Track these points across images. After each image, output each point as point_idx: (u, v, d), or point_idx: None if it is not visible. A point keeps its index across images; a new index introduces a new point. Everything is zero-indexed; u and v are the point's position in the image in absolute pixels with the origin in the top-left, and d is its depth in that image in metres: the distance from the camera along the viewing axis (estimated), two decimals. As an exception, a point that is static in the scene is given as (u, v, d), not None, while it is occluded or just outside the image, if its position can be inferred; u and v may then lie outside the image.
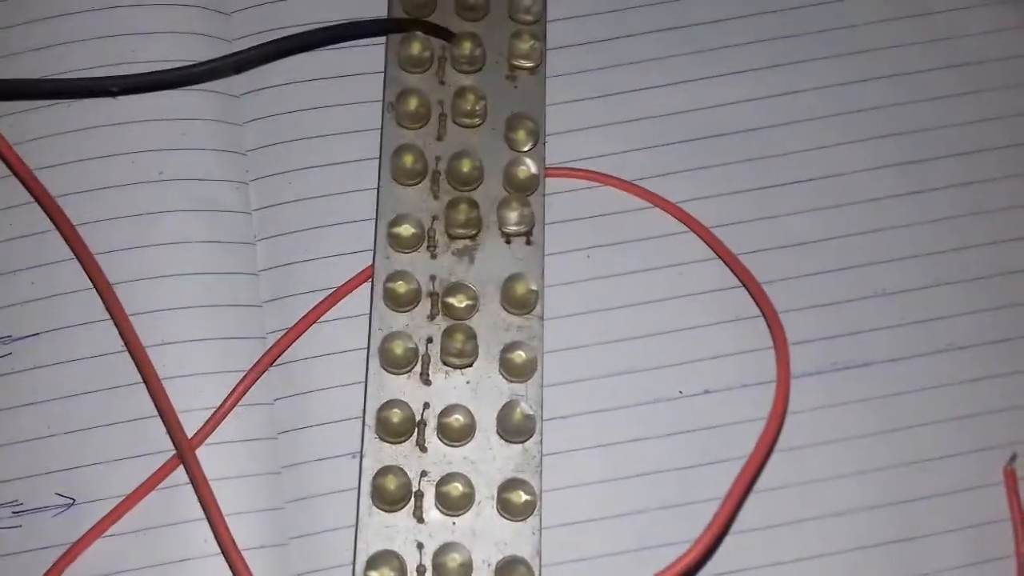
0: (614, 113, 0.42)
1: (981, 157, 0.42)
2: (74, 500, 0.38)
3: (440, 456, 0.38)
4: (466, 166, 0.40)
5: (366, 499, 0.37)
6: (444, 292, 0.39)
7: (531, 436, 0.38)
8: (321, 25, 0.42)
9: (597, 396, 0.39)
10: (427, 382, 0.38)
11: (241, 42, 0.42)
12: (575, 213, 0.41)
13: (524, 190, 0.40)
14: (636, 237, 0.41)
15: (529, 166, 0.40)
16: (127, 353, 0.39)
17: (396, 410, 0.37)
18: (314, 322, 0.40)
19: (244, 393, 0.39)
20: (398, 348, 0.38)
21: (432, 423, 0.38)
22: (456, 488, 0.37)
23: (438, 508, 0.37)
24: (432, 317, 0.39)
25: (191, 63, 0.41)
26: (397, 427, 0.37)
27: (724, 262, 0.40)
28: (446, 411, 0.38)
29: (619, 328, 0.40)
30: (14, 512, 0.38)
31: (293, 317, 0.40)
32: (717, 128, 0.42)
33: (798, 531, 0.38)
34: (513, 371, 0.38)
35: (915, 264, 0.41)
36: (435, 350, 0.38)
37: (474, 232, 0.39)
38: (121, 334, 0.39)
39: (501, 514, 0.37)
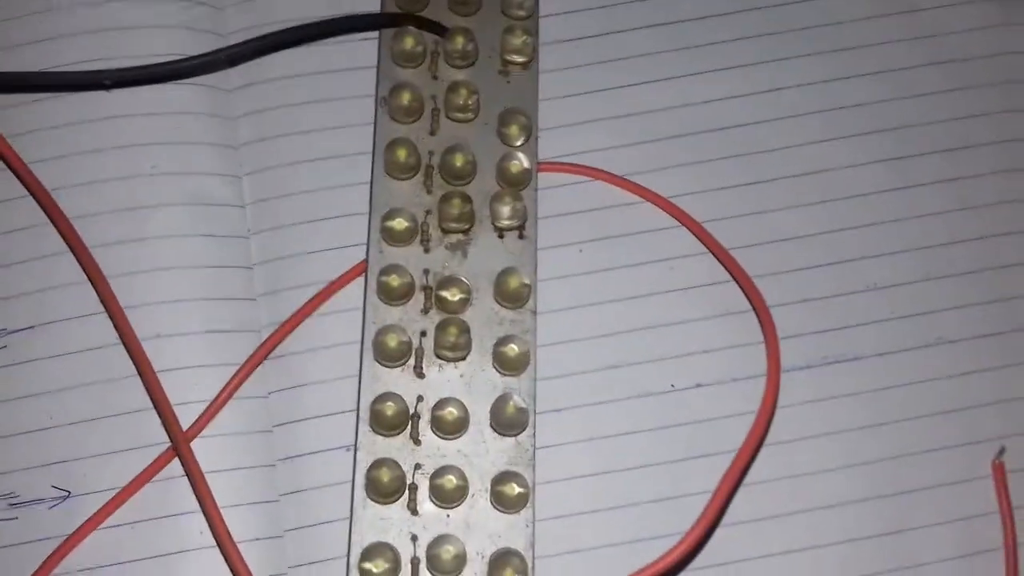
0: (606, 108, 0.42)
1: (967, 153, 0.42)
2: (70, 492, 0.38)
3: (434, 449, 0.38)
4: (459, 161, 0.40)
5: (360, 491, 0.37)
6: (437, 286, 0.39)
7: (524, 429, 0.38)
8: (314, 20, 0.42)
9: (590, 389, 0.40)
10: (421, 375, 0.38)
11: (235, 36, 0.42)
12: (568, 208, 0.41)
13: (517, 185, 0.40)
14: (628, 231, 0.41)
15: (522, 161, 0.40)
16: (122, 346, 0.39)
17: (390, 403, 0.38)
18: (308, 316, 0.40)
19: (239, 386, 0.39)
20: (392, 341, 0.38)
21: (426, 416, 0.38)
22: (450, 481, 0.37)
23: (432, 500, 0.37)
24: (426, 311, 0.39)
25: (184, 57, 0.41)
26: (391, 420, 0.37)
27: (715, 256, 0.41)
28: (440, 404, 0.38)
29: (611, 322, 0.40)
30: (10, 504, 0.38)
31: (287, 311, 0.40)
32: (708, 124, 0.42)
33: (788, 524, 0.38)
34: (506, 365, 0.38)
35: (904, 259, 0.41)
36: (428, 343, 0.39)
37: (467, 226, 0.40)
38: (116, 327, 0.39)
39: (495, 506, 0.37)
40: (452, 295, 0.39)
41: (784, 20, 0.43)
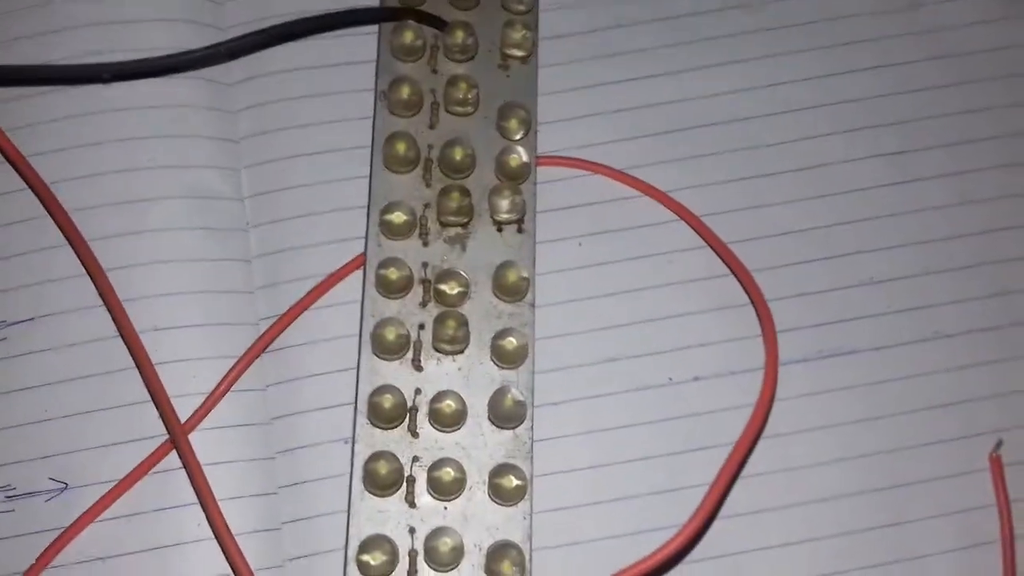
0: (605, 103, 0.42)
1: (967, 148, 0.42)
2: (67, 484, 0.38)
3: (432, 442, 0.38)
4: (458, 154, 0.40)
5: (358, 484, 0.37)
6: (436, 279, 0.39)
7: (522, 422, 0.38)
8: (314, 14, 0.42)
9: (588, 383, 0.40)
10: (419, 368, 0.38)
11: (234, 30, 0.42)
12: (566, 201, 0.41)
13: (516, 178, 0.40)
14: (627, 225, 0.41)
15: (521, 154, 0.40)
16: (120, 339, 0.39)
17: (388, 396, 0.38)
18: (306, 309, 0.40)
19: (237, 379, 0.39)
20: (390, 334, 0.38)
21: (424, 409, 0.38)
22: (448, 473, 0.37)
23: (430, 493, 0.37)
24: (424, 304, 0.39)
25: (184, 51, 0.41)
26: (389, 413, 0.38)
27: (713, 250, 0.41)
28: (438, 397, 0.38)
29: (610, 315, 0.40)
30: (7, 496, 0.38)
31: (286, 304, 0.40)
32: (707, 118, 0.42)
33: (786, 517, 0.38)
34: (504, 358, 0.38)
35: (902, 253, 0.41)
36: (427, 337, 0.39)
37: (466, 220, 0.40)
38: (114, 320, 0.39)
39: (492, 499, 0.37)
40: (451, 288, 0.39)
41: (783, 15, 0.43)
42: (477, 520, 0.37)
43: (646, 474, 0.39)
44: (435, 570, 0.37)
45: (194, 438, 0.38)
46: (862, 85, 0.43)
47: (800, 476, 0.39)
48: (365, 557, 0.36)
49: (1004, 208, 0.42)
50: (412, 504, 0.37)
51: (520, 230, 0.40)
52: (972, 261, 0.41)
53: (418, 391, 0.38)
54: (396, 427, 0.38)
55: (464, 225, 0.40)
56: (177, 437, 0.38)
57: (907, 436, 0.39)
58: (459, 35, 0.41)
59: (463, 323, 0.38)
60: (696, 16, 0.43)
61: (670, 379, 0.40)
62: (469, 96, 0.41)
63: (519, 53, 0.42)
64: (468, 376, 0.38)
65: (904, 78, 0.43)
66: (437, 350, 0.39)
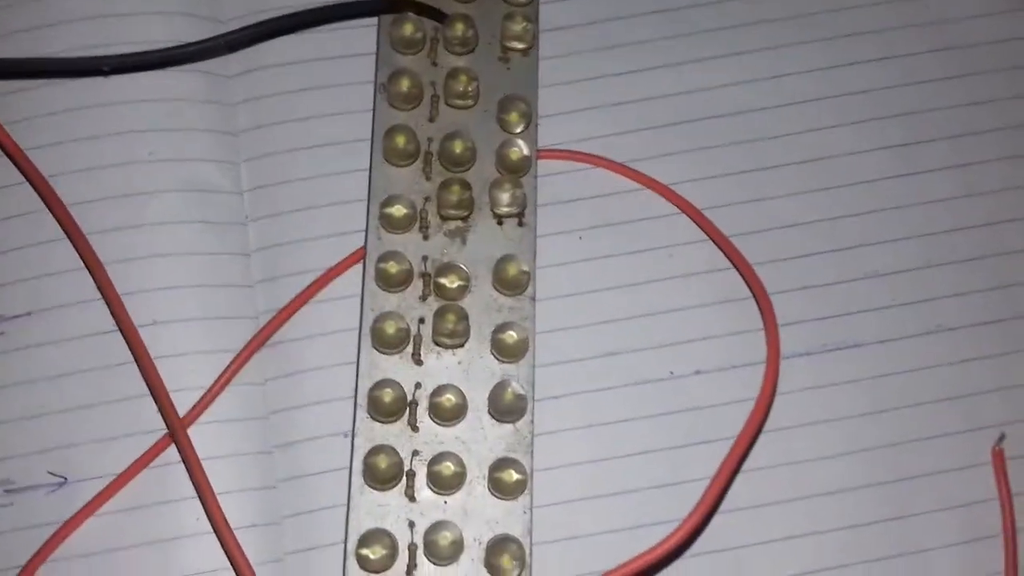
0: (606, 95, 0.42)
1: (971, 140, 0.42)
2: (66, 479, 0.38)
3: (432, 436, 0.38)
4: (458, 147, 0.40)
5: (358, 478, 0.37)
6: (436, 273, 0.39)
7: (522, 416, 0.38)
8: (313, 6, 0.41)
9: (588, 376, 0.39)
10: (419, 362, 0.38)
11: (233, 23, 0.42)
12: (567, 195, 0.41)
13: (516, 171, 0.40)
14: (628, 219, 0.41)
15: (521, 147, 0.40)
16: (119, 333, 0.39)
17: (388, 390, 0.37)
18: (306, 302, 0.40)
19: (236, 373, 0.39)
20: (390, 328, 0.38)
21: (424, 403, 0.38)
22: (448, 467, 0.37)
23: (430, 487, 0.37)
24: (424, 298, 0.39)
25: (183, 43, 0.40)
26: (389, 407, 0.37)
27: (715, 243, 0.40)
28: (438, 391, 0.38)
29: (611, 309, 0.40)
30: (6, 491, 0.38)
31: (285, 297, 0.40)
32: (709, 111, 0.42)
33: (788, 511, 0.38)
34: (505, 352, 0.38)
35: (905, 246, 0.41)
36: (427, 330, 0.39)
37: (466, 213, 0.40)
38: (113, 313, 0.39)
39: (492, 493, 0.37)
40: (451, 282, 0.39)
41: (785, 6, 0.43)
42: (477, 514, 0.37)
43: (647, 468, 0.39)
44: (435, 564, 0.36)
45: (193, 432, 0.38)
46: (865, 77, 0.42)
47: (803, 470, 0.39)
48: (365, 551, 0.36)
49: (1009, 200, 0.41)
50: (412, 498, 0.37)
51: (521, 223, 0.40)
52: (976, 254, 0.41)
53: (418, 385, 0.38)
54: (396, 421, 0.38)
55: (464, 218, 0.40)
56: (176, 431, 0.37)
57: (910, 430, 0.39)
58: (459, 27, 0.41)
59: (463, 317, 0.38)
60: (697, 8, 0.43)
61: (671, 373, 0.40)
62: (469, 89, 0.40)
63: (520, 45, 0.41)
64: (468, 370, 0.38)
65: (908, 70, 0.43)
66: (437, 344, 0.38)
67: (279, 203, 0.41)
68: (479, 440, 0.38)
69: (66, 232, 0.39)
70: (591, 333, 0.40)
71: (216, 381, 0.39)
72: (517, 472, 0.37)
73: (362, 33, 0.42)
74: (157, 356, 0.38)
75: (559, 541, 0.38)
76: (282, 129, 0.41)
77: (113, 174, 0.40)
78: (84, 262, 0.39)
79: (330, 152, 0.41)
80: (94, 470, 0.38)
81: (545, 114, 0.41)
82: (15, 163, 0.40)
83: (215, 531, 0.37)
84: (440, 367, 0.38)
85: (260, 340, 0.39)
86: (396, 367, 0.38)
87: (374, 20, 0.42)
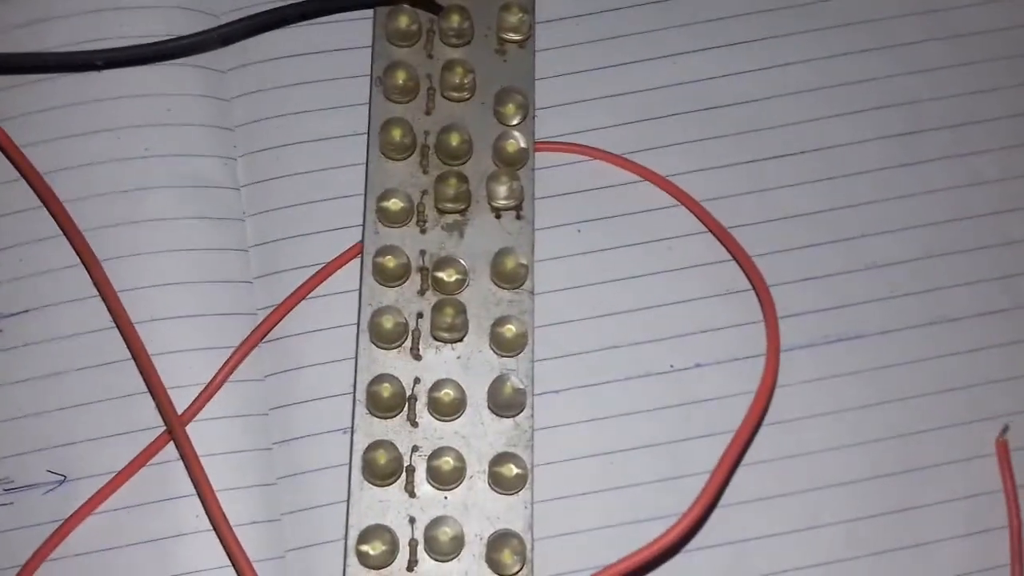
0: (604, 87, 0.42)
1: (973, 129, 0.42)
2: (65, 477, 0.38)
3: (431, 431, 0.38)
4: (455, 140, 0.40)
5: (357, 474, 0.37)
6: (434, 267, 0.39)
7: (522, 410, 0.38)
8: (308, -1, 0.41)
9: (588, 370, 0.39)
10: (417, 357, 0.38)
11: (228, 17, 0.42)
12: (565, 187, 0.41)
13: (513, 164, 0.40)
14: (626, 211, 0.41)
15: (518, 140, 0.40)
16: (116, 329, 0.39)
17: (386, 385, 0.37)
18: (304, 298, 0.40)
19: (234, 369, 0.39)
20: (388, 323, 0.38)
21: (423, 398, 0.38)
22: (447, 462, 0.37)
23: (429, 482, 0.37)
24: (422, 292, 0.39)
25: (176, 36, 0.40)
26: (388, 402, 0.37)
27: (714, 235, 0.40)
28: (436, 386, 0.37)
29: (610, 302, 0.40)
30: (5, 490, 0.38)
31: (283, 293, 0.40)
32: (707, 101, 0.42)
33: (791, 503, 0.38)
34: (503, 345, 0.38)
35: (907, 236, 0.40)
36: (425, 325, 0.38)
37: (463, 206, 0.39)
38: (110, 310, 0.39)
39: (493, 488, 0.37)
40: (448, 276, 0.38)
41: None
42: (478, 509, 0.37)
43: (648, 462, 0.38)
44: (435, 560, 0.36)
45: (192, 429, 0.38)
46: (865, 66, 0.42)
47: (806, 462, 0.39)
48: (365, 547, 0.36)
49: (1011, 190, 0.41)
50: (412, 494, 0.37)
51: (518, 216, 0.40)
52: (979, 243, 0.41)
53: (417, 380, 0.38)
54: (395, 416, 0.38)
55: (462, 212, 0.39)
56: (174, 428, 0.37)
57: (913, 421, 0.39)
58: (455, 19, 0.41)
59: (461, 311, 0.38)
60: (695, -2, 0.43)
61: (671, 366, 0.39)
62: (465, 81, 0.40)
63: (516, 37, 0.41)
64: (467, 364, 0.38)
65: (908, 59, 0.42)
66: (436, 338, 0.38)
67: (276, 198, 0.40)
68: (479, 435, 0.37)
69: (62, 229, 0.39)
70: (590, 326, 0.40)
71: (214, 377, 0.38)
72: (517, 467, 0.37)
73: (357, 26, 0.42)
74: (155, 353, 0.38)
75: (561, 536, 0.38)
76: (278, 123, 0.41)
77: (109, 170, 0.40)
78: (81, 259, 0.39)
79: (326, 146, 0.41)
80: (93, 468, 0.38)
81: (542, 106, 0.41)
82: (11, 160, 0.40)
83: (215, 528, 0.37)
84: (439, 362, 0.38)
85: (258, 336, 0.39)
86: (395, 362, 0.38)
87: (369, 12, 0.41)
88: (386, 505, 0.37)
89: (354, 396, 0.38)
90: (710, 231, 0.40)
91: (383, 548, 0.36)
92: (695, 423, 0.39)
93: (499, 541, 0.36)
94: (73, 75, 0.41)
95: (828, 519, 0.38)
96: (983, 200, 0.41)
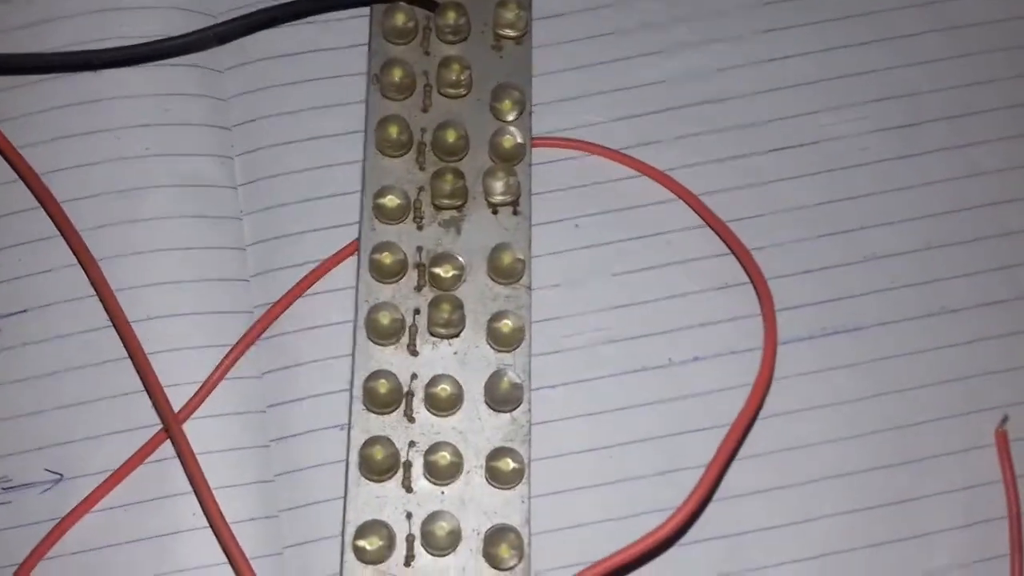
0: (600, 82, 0.42)
1: (972, 120, 0.41)
2: (62, 475, 0.38)
3: (428, 426, 0.37)
4: (451, 136, 0.40)
5: (354, 470, 0.37)
6: (430, 263, 0.39)
7: (519, 405, 0.37)
8: (304, -2, 0.41)
9: (586, 365, 0.39)
10: (414, 353, 0.38)
11: (225, 17, 0.42)
12: (562, 183, 0.41)
13: (510, 160, 0.40)
14: (624, 206, 0.41)
15: (515, 135, 0.40)
16: (113, 329, 0.39)
17: (383, 381, 0.37)
18: (301, 295, 0.40)
19: (231, 367, 0.39)
20: (384, 319, 0.38)
21: (420, 394, 0.38)
22: (444, 457, 0.37)
23: (426, 478, 0.37)
24: (419, 288, 0.39)
25: (173, 35, 0.40)
26: (384, 398, 0.37)
27: (712, 229, 0.40)
28: (433, 381, 0.37)
29: (608, 296, 0.40)
30: (3, 488, 0.38)
31: (280, 290, 0.40)
32: (704, 96, 0.42)
33: (789, 495, 0.38)
34: (500, 341, 0.38)
35: (905, 228, 0.40)
36: (422, 321, 0.38)
37: (460, 203, 0.39)
38: (107, 310, 0.39)
39: (490, 483, 0.37)
40: (445, 271, 0.38)
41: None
42: (475, 504, 0.37)
43: (646, 456, 0.38)
44: (433, 555, 0.36)
45: (188, 427, 0.38)
46: (863, 59, 0.42)
47: (805, 454, 0.38)
48: (362, 543, 0.36)
49: (1010, 180, 0.41)
50: (409, 489, 0.37)
51: (515, 212, 0.39)
52: (978, 235, 0.40)
53: (414, 376, 0.38)
54: (392, 412, 0.37)
55: (458, 208, 0.39)
56: (171, 426, 0.37)
57: (912, 413, 0.39)
58: (451, 16, 0.41)
59: (458, 306, 0.38)
60: (691, -8, 0.43)
61: (670, 360, 0.39)
62: (462, 78, 0.40)
63: (512, 33, 0.41)
64: (464, 360, 0.38)
65: (906, 51, 0.42)
66: (432, 334, 0.38)
67: (273, 196, 0.41)
68: (476, 430, 0.37)
69: (60, 229, 0.39)
70: (588, 321, 0.40)
71: (211, 375, 0.38)
72: (514, 461, 0.37)
73: (354, 24, 0.42)
74: (152, 351, 0.38)
75: (558, 530, 0.38)
76: (275, 122, 0.41)
77: (106, 170, 0.40)
78: (78, 258, 0.39)
79: (323, 144, 0.41)
80: (90, 466, 0.38)
81: (539, 102, 0.41)
82: (8, 160, 0.40)
83: (212, 526, 0.37)
84: (436, 357, 0.38)
85: (255, 334, 0.39)
86: (391, 358, 0.38)
87: (366, 10, 0.41)
88: (383, 501, 0.37)
89: (351, 392, 0.38)
90: (708, 225, 0.40)
91: (380, 543, 0.36)
92: (693, 417, 0.39)
93: (496, 536, 0.36)
94: (70, 75, 0.41)
95: (826, 511, 0.38)
96: (982, 191, 0.41)
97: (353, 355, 0.38)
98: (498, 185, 0.39)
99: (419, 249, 0.39)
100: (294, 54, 0.42)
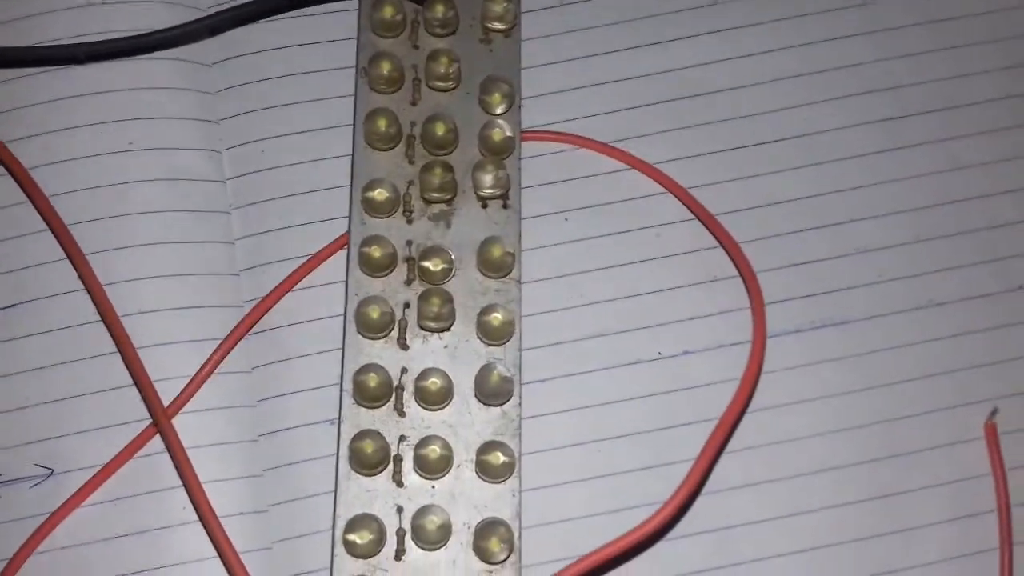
0: (590, 75, 0.42)
1: (958, 113, 0.42)
2: (52, 470, 0.38)
3: (418, 420, 0.37)
4: (440, 129, 0.39)
5: (344, 464, 0.37)
6: (420, 256, 0.39)
7: (509, 399, 0.37)
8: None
9: (576, 358, 0.39)
10: (404, 347, 0.38)
11: (211, 11, 0.42)
12: (552, 176, 0.41)
13: (499, 153, 0.40)
14: (613, 199, 0.41)
15: (504, 128, 0.40)
16: (102, 323, 0.39)
17: (373, 374, 0.37)
18: (290, 289, 0.39)
19: (221, 361, 0.39)
20: (374, 313, 0.38)
21: (410, 387, 0.38)
22: (434, 451, 0.37)
23: (417, 472, 0.37)
24: (408, 282, 0.39)
25: (160, 28, 0.40)
26: (374, 391, 0.37)
27: (701, 222, 0.40)
28: (423, 375, 0.37)
29: (597, 290, 0.40)
30: (-7, 483, 0.38)
31: (269, 285, 0.39)
32: (693, 89, 0.42)
33: (777, 489, 0.38)
34: (490, 334, 0.38)
35: (893, 221, 0.40)
36: (412, 315, 0.38)
37: (449, 196, 0.39)
38: (96, 304, 0.39)
39: (480, 477, 0.37)
40: (434, 265, 0.38)
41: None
42: (465, 498, 0.37)
43: (637, 449, 0.38)
44: (423, 548, 0.36)
45: (178, 421, 0.38)
46: (849, 52, 0.42)
47: (794, 448, 0.38)
48: (352, 537, 0.36)
49: (996, 173, 0.41)
50: (399, 483, 0.37)
51: (505, 206, 0.39)
52: (965, 227, 0.41)
53: (404, 370, 0.38)
54: (382, 406, 0.37)
55: (448, 202, 0.39)
56: (160, 421, 0.37)
57: (901, 406, 0.39)
58: (440, 9, 0.41)
59: (448, 300, 0.38)
60: (678, -15, 0.43)
61: (659, 353, 0.39)
62: (451, 71, 0.40)
63: (501, 26, 0.41)
64: (454, 353, 0.38)
65: (892, 44, 0.42)
66: (422, 328, 0.38)
67: (262, 190, 0.40)
68: (466, 424, 0.37)
69: (47, 223, 0.39)
70: (578, 315, 0.40)
71: (201, 370, 0.38)
72: (505, 455, 0.37)
73: (342, 17, 0.42)
74: (141, 346, 0.38)
75: (548, 524, 0.38)
76: (263, 116, 0.41)
77: (94, 164, 0.40)
78: (66, 253, 0.39)
79: (312, 138, 0.41)
80: (80, 461, 0.38)
81: (528, 95, 0.41)
82: (-6, 155, 0.40)
83: (201, 520, 0.37)
84: (426, 351, 0.38)
85: (245, 328, 0.39)
86: (381, 352, 0.38)
87: (354, 3, 0.41)
88: (373, 495, 0.37)
89: (341, 386, 0.38)
90: (697, 218, 0.40)
91: (370, 537, 0.36)
92: (683, 410, 0.39)
93: (487, 529, 0.36)
94: (57, 70, 0.41)
95: (815, 505, 0.38)
96: (968, 184, 0.41)
97: (343, 349, 0.38)
98: (487, 178, 0.39)
99: (409, 243, 0.39)
100: (282, 48, 0.42)
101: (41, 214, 0.39)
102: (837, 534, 0.38)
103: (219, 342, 0.39)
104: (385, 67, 0.40)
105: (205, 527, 0.37)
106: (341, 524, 0.36)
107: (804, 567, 0.37)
